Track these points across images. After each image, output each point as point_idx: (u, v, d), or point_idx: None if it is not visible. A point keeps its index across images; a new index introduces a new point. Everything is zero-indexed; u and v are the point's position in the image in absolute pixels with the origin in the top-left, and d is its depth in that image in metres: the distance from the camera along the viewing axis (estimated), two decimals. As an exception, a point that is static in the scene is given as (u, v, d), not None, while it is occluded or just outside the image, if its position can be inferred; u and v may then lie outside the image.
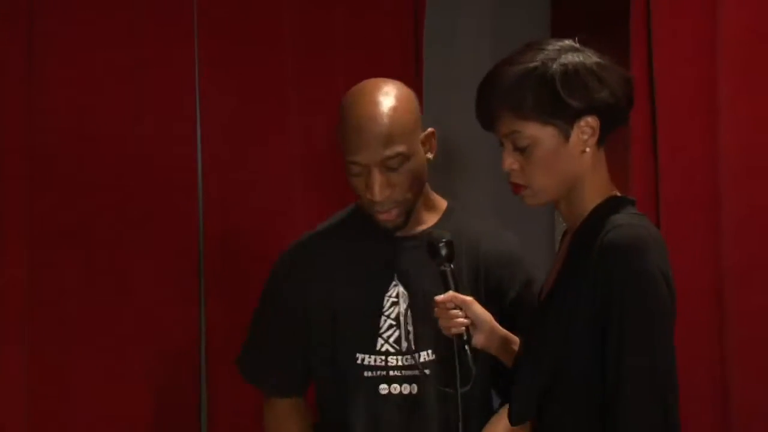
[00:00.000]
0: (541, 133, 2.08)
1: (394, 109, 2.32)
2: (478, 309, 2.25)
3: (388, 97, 2.33)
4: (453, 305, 2.22)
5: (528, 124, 2.08)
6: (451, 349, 2.22)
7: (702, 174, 2.92)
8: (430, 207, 2.46)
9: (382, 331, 2.39)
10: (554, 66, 2.07)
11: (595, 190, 2.12)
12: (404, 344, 2.38)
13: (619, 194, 2.16)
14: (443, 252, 2.25)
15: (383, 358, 2.39)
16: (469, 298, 2.24)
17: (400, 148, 2.30)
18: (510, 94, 2.07)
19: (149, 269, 3.15)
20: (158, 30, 3.18)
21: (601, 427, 2.02)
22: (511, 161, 2.12)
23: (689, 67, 2.92)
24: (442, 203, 2.49)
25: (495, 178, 3.56)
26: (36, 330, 3.03)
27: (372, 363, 2.39)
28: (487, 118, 2.12)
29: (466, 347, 2.20)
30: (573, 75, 2.07)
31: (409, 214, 2.38)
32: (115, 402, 3.10)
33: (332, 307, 2.41)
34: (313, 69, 3.30)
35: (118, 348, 3.11)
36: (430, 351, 2.38)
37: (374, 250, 2.41)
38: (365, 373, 2.39)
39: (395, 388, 2.38)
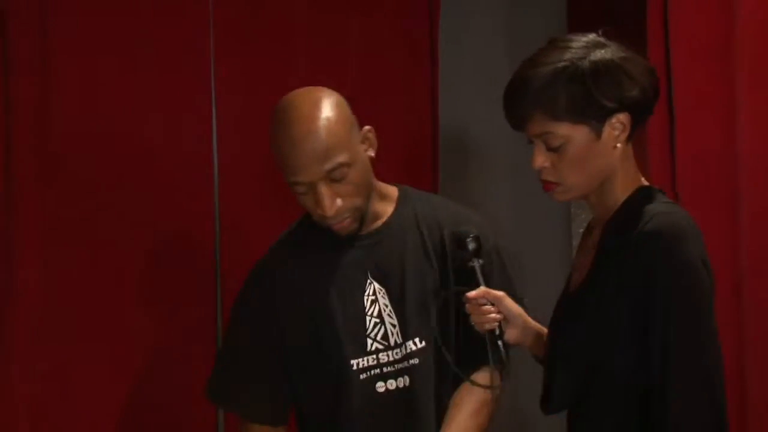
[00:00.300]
0: (573, 133, 2.09)
1: (327, 120, 2.28)
2: (510, 304, 2.25)
3: (317, 108, 2.28)
4: (485, 301, 2.22)
5: (561, 125, 2.08)
6: (440, 333, 2.30)
7: (719, 168, 2.93)
8: (383, 197, 2.45)
9: (368, 331, 2.39)
10: (584, 64, 2.07)
11: (625, 182, 2.14)
12: (392, 339, 2.38)
13: (647, 184, 2.18)
14: (471, 247, 2.25)
15: (375, 356, 2.38)
16: (500, 293, 2.24)
17: (341, 158, 2.27)
18: (542, 96, 2.07)
19: (164, 269, 3.13)
20: (173, 28, 3.16)
21: (641, 419, 2.03)
22: (542, 160, 2.12)
23: (707, 62, 2.93)
24: (393, 191, 2.48)
25: (511, 174, 3.63)
26: (49, 329, 3.01)
27: (365, 364, 2.38)
28: (518, 119, 2.12)
29: (499, 342, 2.21)
30: (604, 73, 2.07)
31: (363, 217, 2.37)
32: (129, 402, 3.09)
33: (314, 323, 2.39)
34: (327, 67, 3.28)
35: (132, 348, 3.09)
36: (417, 339, 2.38)
37: (340, 255, 2.40)
38: (361, 376, 2.38)
39: (391, 384, 2.38)
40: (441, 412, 2.38)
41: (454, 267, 2.38)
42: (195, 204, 3.17)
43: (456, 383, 2.39)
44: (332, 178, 2.27)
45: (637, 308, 2.03)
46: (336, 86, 3.21)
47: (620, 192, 2.14)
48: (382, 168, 3.19)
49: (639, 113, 2.12)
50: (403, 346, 2.37)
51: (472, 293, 2.23)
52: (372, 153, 2.37)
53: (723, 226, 2.91)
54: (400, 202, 2.45)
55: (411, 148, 3.39)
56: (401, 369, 2.37)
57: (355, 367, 2.37)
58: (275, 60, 3.25)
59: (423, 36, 3.41)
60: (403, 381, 2.37)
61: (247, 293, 2.47)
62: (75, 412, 3.04)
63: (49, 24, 3.04)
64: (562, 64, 2.07)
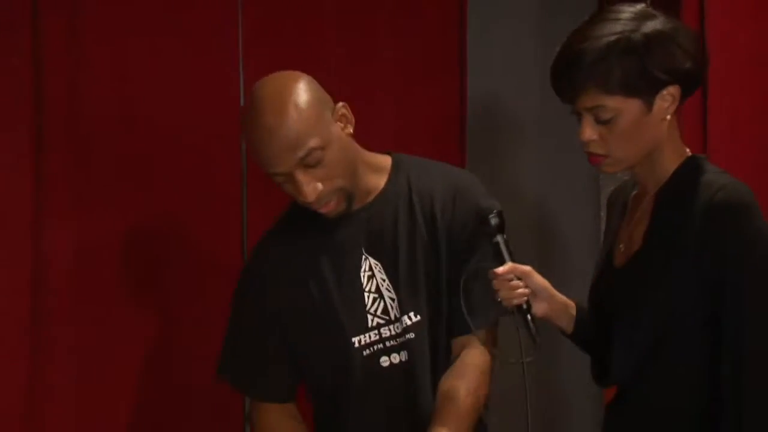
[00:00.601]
0: (625, 106, 2.10)
1: (294, 106, 2.24)
2: (538, 278, 2.23)
3: (282, 97, 2.25)
4: (513, 276, 2.21)
5: (613, 98, 2.09)
6: (436, 307, 2.31)
7: (754, 139, 2.90)
8: (375, 170, 2.42)
9: (368, 307, 2.38)
10: (637, 37, 2.08)
11: (673, 153, 2.16)
12: (392, 313, 2.37)
13: (692, 153, 2.19)
14: (494, 222, 2.23)
15: (377, 332, 2.37)
16: (527, 268, 2.23)
17: (313, 143, 2.24)
18: (595, 70, 2.08)
19: (192, 246, 3.12)
20: (202, 13, 3.14)
21: (704, 396, 2.06)
22: (590, 132, 2.13)
23: (742, 32, 2.89)
24: (386, 161, 2.44)
25: (538, 148, 3.61)
26: (81, 312, 3.01)
27: (368, 341, 2.37)
28: (570, 93, 2.12)
29: (528, 317, 2.20)
30: (656, 45, 2.08)
31: (352, 194, 2.34)
32: (154, 389, 3.08)
33: (312, 304, 2.39)
34: (356, 46, 3.27)
35: (161, 334, 3.09)
36: (412, 313, 2.37)
37: (334, 233, 2.39)
38: (364, 353, 2.37)
39: (395, 357, 2.37)
40: (437, 385, 2.36)
41: (473, 242, 2.35)
42: (222, 187, 3.15)
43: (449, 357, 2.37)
44: (307, 164, 2.25)
45: (706, 280, 2.04)
46: (364, 63, 3.25)
47: (669, 162, 2.16)
48: (410, 142, 3.21)
49: (689, 85, 2.14)
50: (401, 320, 2.36)
51: (499, 269, 2.21)
52: (350, 129, 2.34)
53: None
54: (393, 172, 2.42)
55: (438, 123, 3.36)
56: (402, 343, 2.36)
57: (357, 345, 2.36)
58: (303, 42, 3.22)
59: (452, 7, 3.37)
60: (403, 355, 2.36)
61: (245, 276, 2.48)
62: (109, 378, 3.04)
63: (80, 6, 3.03)
64: (615, 37, 2.08)
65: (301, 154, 2.24)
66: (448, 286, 2.35)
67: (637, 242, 2.17)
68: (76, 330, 3.00)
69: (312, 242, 2.40)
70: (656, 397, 2.12)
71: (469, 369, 2.33)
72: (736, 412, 2.01)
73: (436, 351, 2.36)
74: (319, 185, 2.27)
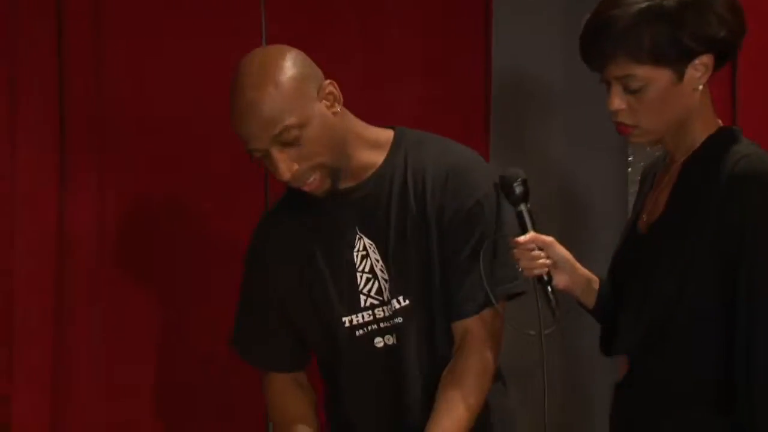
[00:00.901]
0: (655, 75, 2.05)
1: (273, 84, 2.21)
2: (560, 249, 2.19)
3: (261, 73, 2.22)
4: (534, 246, 2.17)
5: (642, 67, 2.05)
6: (427, 289, 2.28)
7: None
8: (374, 146, 2.37)
9: (361, 287, 2.36)
10: (669, 3, 2.03)
11: (704, 123, 2.12)
12: (386, 294, 2.35)
13: (723, 124, 2.15)
14: (518, 191, 2.20)
15: (370, 312, 2.35)
16: (550, 238, 2.19)
17: (289, 121, 2.21)
18: (626, 38, 2.03)
19: (215, 226, 3.11)
20: (227, 7, 3.12)
21: (715, 371, 2.02)
22: (619, 102, 2.08)
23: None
24: (387, 136, 2.39)
25: (565, 118, 3.57)
26: (103, 286, 3.02)
27: (361, 321, 2.36)
28: (598, 61, 2.08)
29: (549, 289, 2.16)
30: (690, 12, 2.03)
31: (337, 173, 2.30)
32: (178, 359, 3.08)
33: (306, 283, 2.39)
34: (382, 27, 3.24)
35: (183, 312, 3.09)
36: (401, 297, 2.34)
37: (329, 212, 2.37)
38: (357, 333, 2.36)
39: (389, 339, 2.35)
40: (426, 370, 2.34)
41: (467, 224, 2.31)
42: (246, 170, 3.11)
43: (442, 342, 2.34)
44: (283, 141, 2.23)
45: (723, 249, 2.00)
46: (389, 37, 3.22)
47: (699, 133, 2.11)
48: (435, 116, 3.18)
49: (723, 54, 2.09)
50: (391, 303, 2.34)
51: (521, 238, 2.17)
52: (337, 108, 2.30)
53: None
54: (393, 148, 2.38)
55: (463, 96, 3.33)
56: (393, 326, 2.34)
57: (347, 324, 2.35)
58: (328, 46, 3.15)
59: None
60: (393, 338, 2.35)
61: (248, 255, 2.50)
62: (134, 342, 3.05)
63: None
64: (646, 3, 2.03)
65: (274, 132, 2.21)
66: (441, 268, 2.32)
67: (659, 210, 2.13)
68: (98, 305, 3.00)
69: (308, 221, 2.39)
70: (664, 371, 2.08)
71: (469, 373, 2.30)
72: (747, 390, 1.97)
73: (425, 336, 2.33)
74: (295, 165, 2.24)
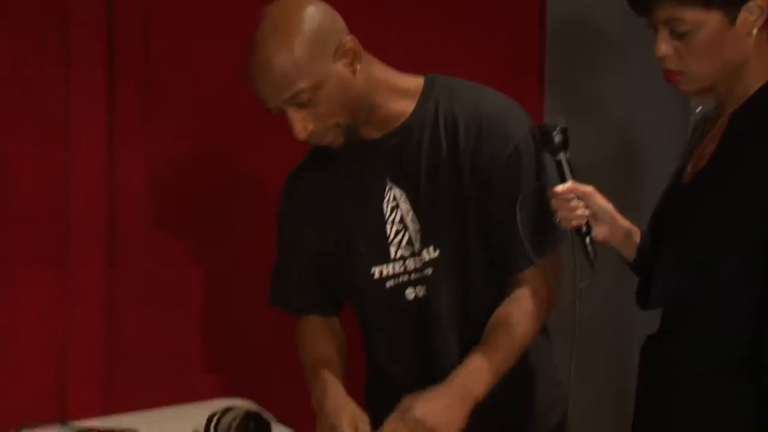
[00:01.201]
0: (704, 18, 1.96)
1: (284, 45, 2.14)
2: (600, 200, 2.12)
3: (277, 32, 2.15)
4: (573, 196, 2.10)
5: (690, 10, 1.96)
6: (453, 240, 2.24)
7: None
8: (404, 94, 2.30)
9: (391, 238, 2.32)
10: None
11: (759, 71, 2.02)
12: (417, 245, 2.31)
13: None
14: (557, 140, 2.13)
15: (401, 263, 2.32)
16: (589, 188, 2.11)
17: (302, 84, 2.15)
18: None
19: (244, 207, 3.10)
20: None
21: (749, 327, 1.94)
22: (666, 47, 2.00)
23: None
24: (417, 84, 2.32)
25: (623, 65, 3.48)
26: (151, 235, 3.01)
27: (391, 272, 2.33)
28: (643, 4, 2.00)
29: (587, 240, 2.10)
30: None
31: (353, 129, 2.25)
32: (222, 310, 3.07)
33: (335, 234, 2.36)
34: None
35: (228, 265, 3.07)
36: (431, 247, 2.29)
37: (358, 162, 2.32)
38: (387, 284, 2.33)
39: (420, 290, 2.32)
40: (459, 321, 2.31)
41: (506, 173, 2.25)
42: (273, 149, 3.07)
43: (475, 294, 2.30)
44: (297, 103, 2.18)
45: (765, 207, 1.91)
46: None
47: (753, 81, 2.02)
48: (487, 64, 3.12)
49: None
50: (421, 253, 2.30)
51: (559, 188, 2.11)
52: (357, 66, 2.22)
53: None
54: (423, 96, 2.31)
55: (517, 44, 3.27)
56: (423, 277, 2.31)
57: (377, 276, 2.32)
58: (370, 35, 3.12)
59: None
60: (423, 289, 2.31)
61: (280, 207, 2.48)
62: (180, 301, 3.04)
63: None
64: None
65: (288, 94, 2.17)
66: (478, 214, 2.26)
67: (704, 160, 2.05)
68: (148, 255, 3.00)
69: (337, 173, 2.36)
70: (697, 326, 2.01)
71: (524, 297, 2.25)
72: None
73: (456, 288, 2.29)
74: (310, 125, 2.20)
